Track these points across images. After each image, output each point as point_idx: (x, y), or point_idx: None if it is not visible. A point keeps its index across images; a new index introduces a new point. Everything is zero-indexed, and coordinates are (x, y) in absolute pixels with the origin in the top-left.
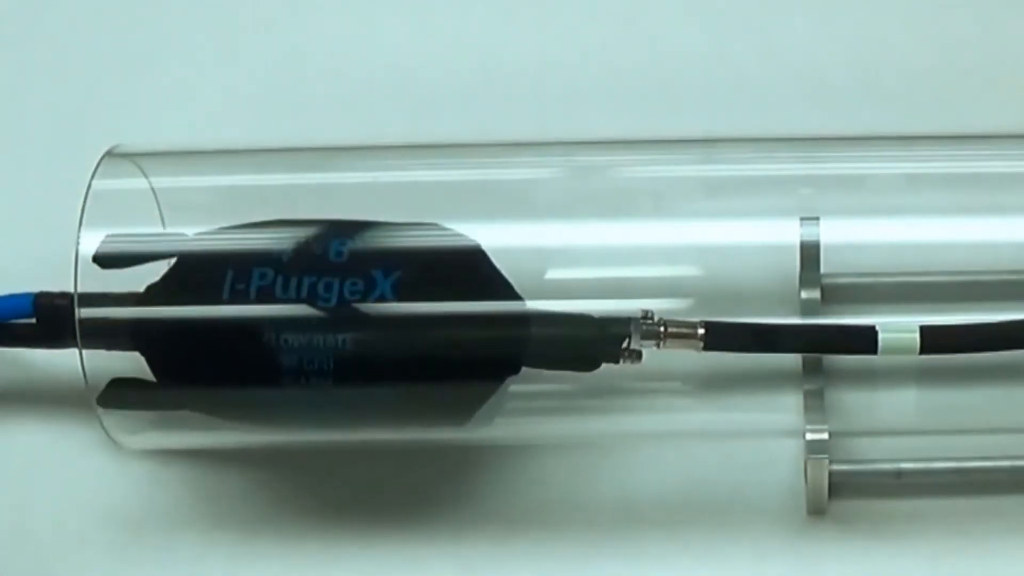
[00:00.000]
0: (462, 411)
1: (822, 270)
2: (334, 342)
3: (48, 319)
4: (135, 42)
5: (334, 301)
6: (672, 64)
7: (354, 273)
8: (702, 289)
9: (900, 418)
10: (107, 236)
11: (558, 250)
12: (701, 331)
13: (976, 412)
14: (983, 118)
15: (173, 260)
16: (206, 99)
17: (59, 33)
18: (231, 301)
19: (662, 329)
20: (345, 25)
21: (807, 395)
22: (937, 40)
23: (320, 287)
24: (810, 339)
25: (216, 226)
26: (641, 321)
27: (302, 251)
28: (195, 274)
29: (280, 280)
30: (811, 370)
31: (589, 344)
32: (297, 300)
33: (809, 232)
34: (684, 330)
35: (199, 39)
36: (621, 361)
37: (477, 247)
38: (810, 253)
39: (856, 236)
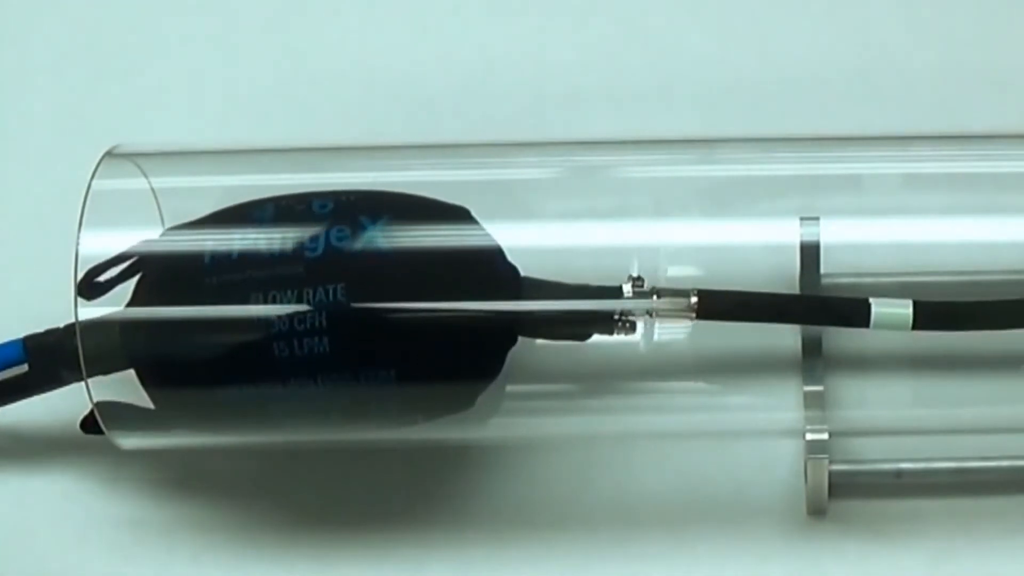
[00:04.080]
0: (464, 392)
1: (822, 270)
2: (324, 295)
3: (41, 359)
4: (135, 42)
5: (321, 250)
6: (671, 64)
7: (340, 220)
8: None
9: (899, 417)
10: (88, 270)
11: (558, 250)
12: (694, 299)
13: (976, 409)
14: (983, 118)
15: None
16: (206, 99)
17: (59, 33)
18: (213, 266)
19: (654, 297)
20: (345, 25)
21: (807, 396)
22: (937, 40)
23: (306, 238)
24: (803, 310)
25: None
26: (632, 286)
27: (283, 210)
28: (174, 258)
29: (263, 237)
30: (811, 370)
31: (580, 311)
32: (282, 254)
33: (809, 232)
34: (677, 299)
35: (199, 39)
36: (615, 333)
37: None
38: (810, 253)
39: (856, 236)
